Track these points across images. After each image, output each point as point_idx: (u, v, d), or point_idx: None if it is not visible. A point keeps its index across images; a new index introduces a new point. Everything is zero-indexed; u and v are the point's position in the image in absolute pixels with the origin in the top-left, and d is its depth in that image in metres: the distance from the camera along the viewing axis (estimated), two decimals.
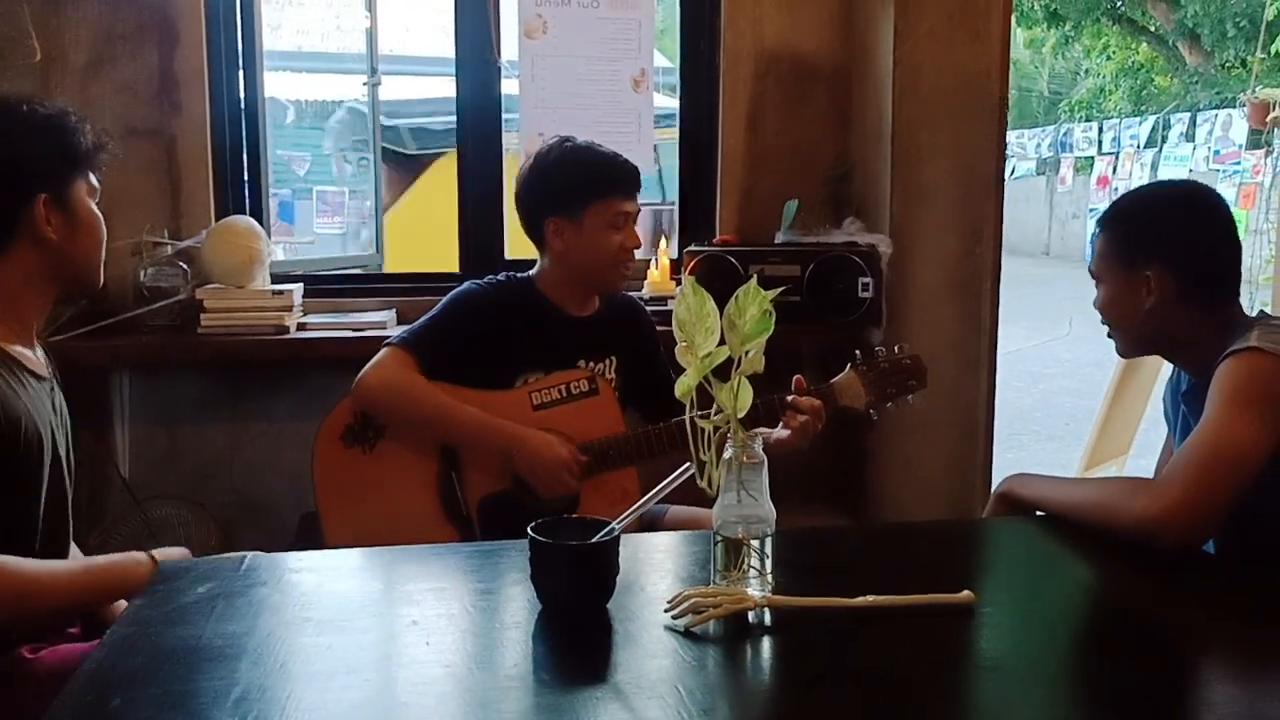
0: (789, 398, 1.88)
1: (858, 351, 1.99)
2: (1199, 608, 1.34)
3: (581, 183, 2.01)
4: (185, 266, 2.56)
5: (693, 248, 2.78)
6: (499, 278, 2.10)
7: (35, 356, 1.54)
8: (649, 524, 2.02)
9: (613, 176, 2.03)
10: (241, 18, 2.75)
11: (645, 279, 2.81)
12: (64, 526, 1.54)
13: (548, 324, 2.05)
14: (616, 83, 2.88)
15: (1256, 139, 9.93)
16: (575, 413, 1.96)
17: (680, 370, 1.29)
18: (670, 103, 3.25)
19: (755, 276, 1.30)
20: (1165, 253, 1.63)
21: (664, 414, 1.97)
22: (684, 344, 1.28)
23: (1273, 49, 10.41)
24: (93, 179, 1.54)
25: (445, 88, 2.89)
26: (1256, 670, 1.20)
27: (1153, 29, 16.71)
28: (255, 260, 2.54)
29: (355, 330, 2.60)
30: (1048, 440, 6.18)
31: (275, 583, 1.37)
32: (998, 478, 1.86)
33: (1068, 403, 7.01)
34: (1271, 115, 4.73)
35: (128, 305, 2.52)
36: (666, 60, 3.53)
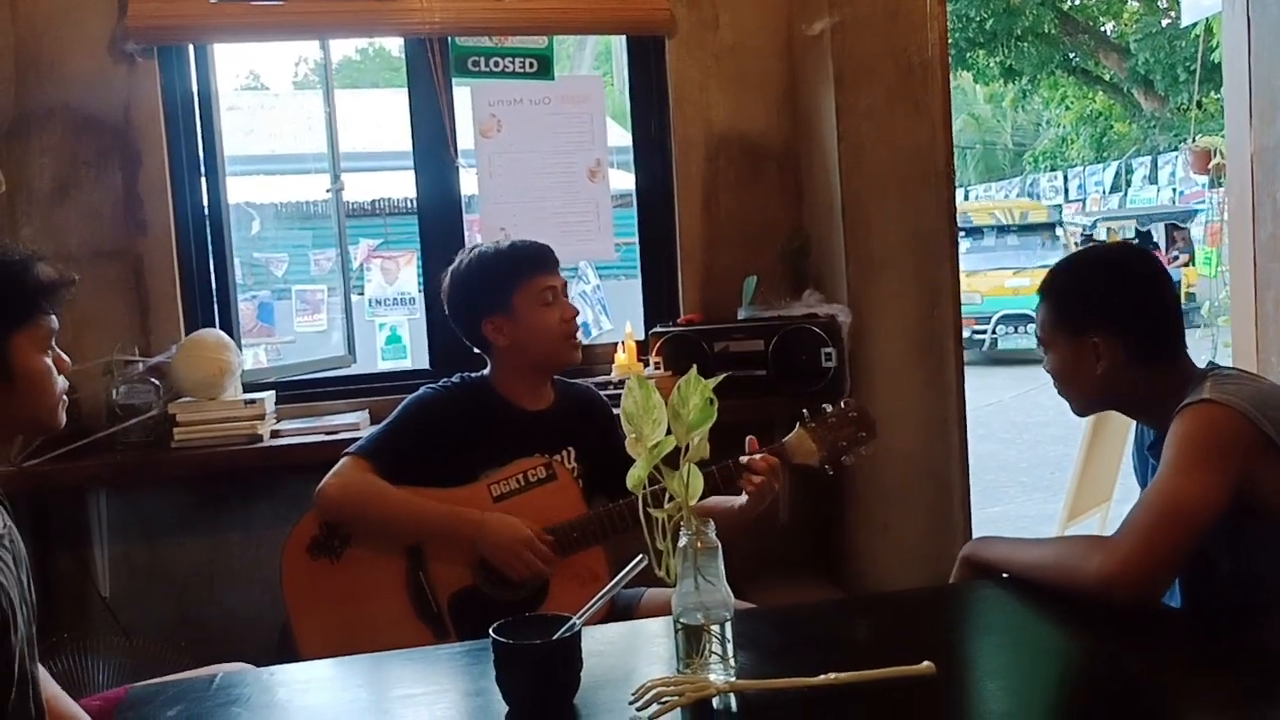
0: (743, 459, 1.90)
1: (805, 410, 2.02)
2: (1163, 665, 1.35)
3: (500, 275, 2.08)
4: (157, 382, 2.59)
5: (658, 329, 2.83)
6: (454, 380, 2.14)
7: None
8: (623, 611, 2.03)
9: (526, 259, 2.10)
10: (202, 129, 2.81)
11: (613, 362, 2.86)
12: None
13: (504, 421, 2.08)
14: (572, 174, 2.96)
15: (1215, 178, 10.12)
16: (535, 499, 1.98)
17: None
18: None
19: (695, 366, 1.33)
20: (1108, 318, 1.67)
21: (628, 496, 1.99)
22: (633, 436, 1.31)
23: (1222, 91, 10.68)
24: (48, 322, 1.45)
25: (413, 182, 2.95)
26: None
27: (1107, 78, 17.14)
28: (225, 372, 2.57)
29: (328, 433, 2.62)
30: (1034, 491, 6.19)
31: (247, 700, 1.38)
32: (978, 535, 1.87)
33: (1053, 451, 7.03)
34: (1214, 162, 4.81)
35: (101, 424, 2.54)
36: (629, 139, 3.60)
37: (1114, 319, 1.67)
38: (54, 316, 1.45)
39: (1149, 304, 1.69)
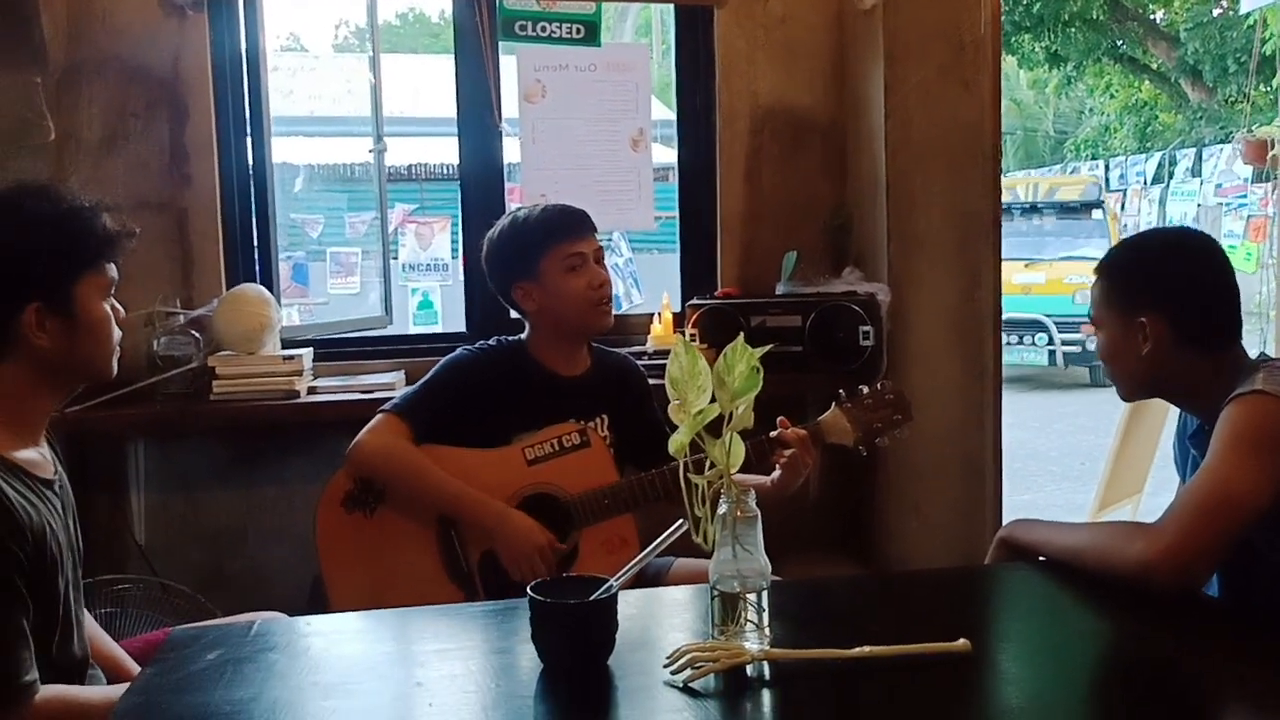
0: (773, 434, 1.91)
1: (841, 390, 2.02)
2: (1202, 653, 1.34)
3: (528, 240, 2.07)
4: (197, 335, 2.61)
5: (695, 301, 2.83)
6: (491, 342, 2.14)
7: (43, 457, 1.47)
8: (653, 578, 2.04)
9: (556, 223, 2.08)
10: (249, 87, 2.82)
11: (649, 333, 2.85)
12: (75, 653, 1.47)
13: (538, 386, 2.08)
14: (615, 143, 2.95)
15: (1262, 172, 9.92)
16: (568, 465, 1.99)
17: (676, 426, 1.31)
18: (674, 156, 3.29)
19: (742, 334, 1.32)
20: (1158, 298, 1.64)
21: (658, 466, 2.00)
22: (676, 402, 1.30)
23: (1275, 83, 10.47)
24: (110, 271, 1.47)
25: (451, 148, 2.95)
26: (1265, 716, 1.20)
27: (1154, 67, 16.83)
28: (265, 327, 2.59)
29: (365, 392, 2.63)
30: (1063, 480, 6.15)
31: (283, 647, 1.40)
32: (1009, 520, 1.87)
33: (1084, 441, 6.98)
34: (1272, 153, 4.68)
35: (141, 375, 2.57)
36: (670, 113, 3.59)
37: (1163, 299, 1.64)
38: (115, 266, 1.48)
39: (1201, 288, 1.67)
